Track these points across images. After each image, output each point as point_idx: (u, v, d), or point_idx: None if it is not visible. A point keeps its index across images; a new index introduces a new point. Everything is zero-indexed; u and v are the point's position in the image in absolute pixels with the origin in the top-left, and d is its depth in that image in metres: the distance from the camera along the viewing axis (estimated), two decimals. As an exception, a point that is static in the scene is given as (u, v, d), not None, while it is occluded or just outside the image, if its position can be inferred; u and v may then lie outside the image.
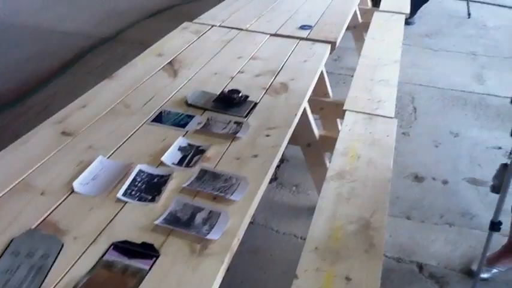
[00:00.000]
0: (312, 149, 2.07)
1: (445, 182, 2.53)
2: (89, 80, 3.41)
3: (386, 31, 3.28)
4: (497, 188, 1.59)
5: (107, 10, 4.97)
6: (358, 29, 3.69)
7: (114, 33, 4.40)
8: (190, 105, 1.54)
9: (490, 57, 4.18)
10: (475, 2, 5.71)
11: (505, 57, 4.20)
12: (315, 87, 1.99)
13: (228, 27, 2.25)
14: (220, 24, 2.29)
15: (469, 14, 5.19)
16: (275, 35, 2.20)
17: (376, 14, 3.64)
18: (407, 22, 4.83)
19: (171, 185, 1.16)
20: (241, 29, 2.24)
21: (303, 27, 2.26)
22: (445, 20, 5.11)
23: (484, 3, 5.78)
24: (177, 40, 2.09)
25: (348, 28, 3.74)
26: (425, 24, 4.94)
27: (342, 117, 2.07)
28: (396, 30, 3.30)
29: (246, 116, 1.49)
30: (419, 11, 4.93)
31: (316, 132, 2.07)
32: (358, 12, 3.61)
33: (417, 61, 4.06)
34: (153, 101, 1.56)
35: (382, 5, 3.85)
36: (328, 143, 1.99)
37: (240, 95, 1.56)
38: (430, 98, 3.50)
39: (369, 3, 4.24)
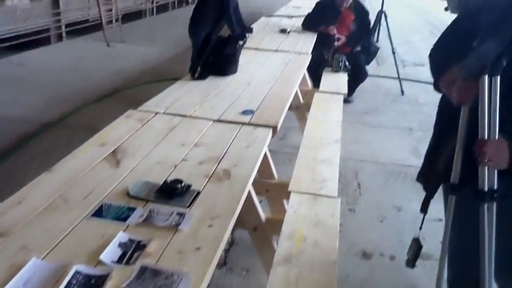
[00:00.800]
0: (258, 232, 2.07)
1: (392, 258, 2.57)
2: (32, 166, 3.31)
3: (327, 111, 3.46)
4: (411, 262, 1.67)
5: (52, 95, 4.95)
6: (300, 109, 3.86)
7: (58, 118, 4.35)
8: (132, 197, 1.52)
9: (424, 132, 4.45)
10: (406, 80, 6.16)
11: (438, 131, 4.48)
12: (259, 169, 2.03)
13: (172, 114, 2.29)
14: (165, 111, 2.33)
15: (402, 92, 5.58)
16: (218, 120, 2.25)
17: (316, 95, 3.84)
18: (347, 100, 5.11)
19: (109, 287, 1.11)
20: (185, 116, 2.29)
21: (245, 113, 2.34)
22: (381, 98, 5.45)
23: (415, 81, 6.25)
24: (120, 129, 2.10)
25: (291, 108, 3.92)
26: (363, 102, 5.24)
27: (288, 198, 2.10)
28: (335, 110, 3.48)
29: (188, 206, 1.48)
30: (357, 90, 5.23)
31: (262, 215, 2.08)
32: (299, 94, 3.79)
33: (358, 137, 4.25)
34: (94, 194, 1.53)
35: (322, 86, 4.08)
36: (276, 225, 2.00)
37: (183, 184, 1.57)
38: (372, 173, 3.63)
39: (309, 85, 4.47)
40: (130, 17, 10.54)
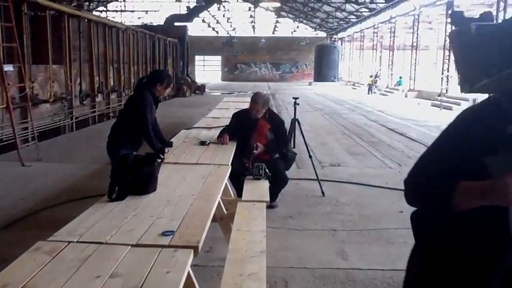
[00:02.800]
0: None
1: None
2: None
3: (250, 221, 3.46)
4: None
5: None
6: (224, 220, 3.83)
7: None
8: None
9: (347, 232, 4.56)
10: (326, 181, 6.43)
11: (360, 230, 4.62)
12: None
13: (87, 242, 2.17)
14: (78, 240, 2.20)
15: (323, 193, 5.77)
16: (136, 245, 2.16)
17: (239, 205, 3.85)
18: (271, 206, 5.18)
19: None
20: (101, 243, 2.17)
21: (165, 234, 2.28)
22: (304, 200, 5.59)
23: (333, 181, 6.53)
24: (26, 265, 1.93)
25: (215, 220, 3.88)
26: (287, 206, 5.33)
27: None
28: (259, 219, 3.49)
29: None
30: (280, 194, 5.33)
31: None
32: (222, 205, 3.78)
33: (285, 243, 4.25)
34: None
35: (244, 195, 4.12)
36: None
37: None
38: (302, 280, 3.59)
39: (232, 194, 4.51)
40: (48, 133, 10.33)
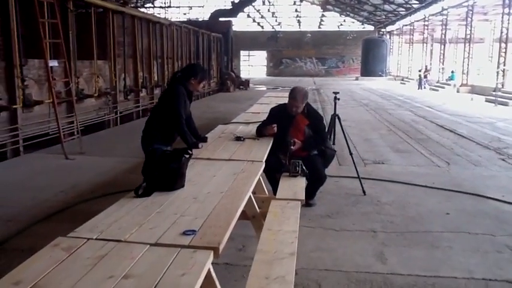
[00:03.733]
0: None
1: None
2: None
3: (283, 220, 3.31)
4: None
5: (-4, 215, 4.66)
6: (257, 219, 3.70)
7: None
8: None
9: (388, 234, 4.32)
10: (368, 179, 6.17)
11: (401, 232, 4.36)
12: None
13: (105, 240, 2.10)
14: (97, 237, 2.13)
15: (364, 192, 5.53)
16: (155, 244, 2.07)
17: (272, 203, 3.71)
18: (309, 204, 5.01)
19: None
20: (120, 241, 2.09)
21: (186, 233, 2.17)
22: (343, 199, 5.37)
23: (375, 179, 6.26)
24: (42, 262, 1.88)
25: (247, 218, 3.76)
26: (325, 205, 5.14)
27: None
28: (292, 219, 3.34)
29: None
30: (318, 192, 5.14)
31: None
32: (254, 203, 3.66)
33: (321, 244, 4.07)
34: None
35: (278, 193, 3.97)
36: None
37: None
38: (336, 283, 3.41)
39: (266, 192, 4.37)
40: (93, 128, 10.58)
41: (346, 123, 12.03)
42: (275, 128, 4.87)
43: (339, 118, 5.77)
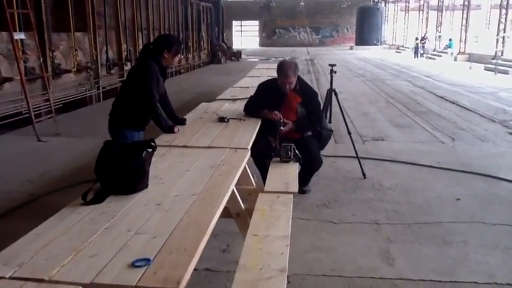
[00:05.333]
0: None
1: None
2: None
3: (272, 222, 2.76)
4: None
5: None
6: (241, 217, 3.15)
7: None
8: None
9: (393, 226, 3.79)
10: (367, 159, 5.62)
11: (408, 223, 3.84)
12: None
13: (23, 279, 1.53)
14: (12, 275, 1.56)
15: (363, 175, 4.98)
16: (90, 285, 1.50)
17: (260, 197, 3.16)
18: (303, 191, 4.47)
19: None
20: (43, 280, 1.53)
21: (136, 264, 1.61)
22: (341, 184, 4.83)
23: (376, 159, 5.71)
24: None
25: (230, 216, 3.21)
26: (321, 191, 4.60)
27: None
28: (283, 219, 2.79)
29: None
30: (314, 175, 4.58)
31: None
32: (238, 197, 3.09)
33: (317, 241, 3.54)
34: None
35: (267, 184, 3.42)
36: None
37: None
38: (337, 293, 2.89)
39: (253, 182, 3.81)
40: (74, 105, 9.91)
41: (342, 95, 11.39)
42: (279, 115, 4.17)
43: (335, 93, 5.17)
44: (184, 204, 2.19)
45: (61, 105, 9.12)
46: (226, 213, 3.14)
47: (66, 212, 2.11)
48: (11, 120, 7.69)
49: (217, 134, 3.70)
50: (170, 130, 3.71)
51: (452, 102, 10.42)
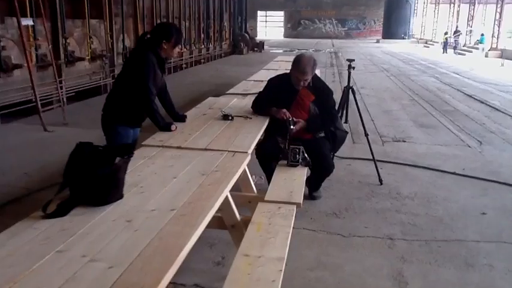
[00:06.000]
0: None
1: None
2: None
3: (268, 239, 2.43)
4: None
5: None
6: (236, 228, 2.83)
7: None
8: None
9: (409, 242, 3.42)
10: (386, 162, 5.23)
11: (426, 240, 3.45)
12: None
13: None
14: None
15: (380, 181, 4.59)
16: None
17: (259, 207, 2.83)
18: (313, 197, 4.14)
19: None
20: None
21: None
22: (355, 190, 4.46)
23: (395, 163, 5.31)
24: None
25: (225, 228, 2.90)
26: (333, 197, 4.24)
27: None
28: (280, 236, 2.45)
29: None
30: (327, 179, 4.22)
31: None
32: (234, 207, 2.78)
33: (323, 257, 3.19)
34: None
35: (269, 192, 3.08)
36: None
37: None
38: (339, 322, 2.55)
39: (254, 188, 3.48)
40: (87, 93, 9.72)
41: (364, 91, 11.04)
42: (287, 114, 3.82)
43: (353, 91, 4.77)
44: (158, 222, 1.87)
45: (73, 93, 8.93)
46: (219, 224, 2.84)
47: (21, 226, 1.82)
48: (21, 107, 7.53)
49: (218, 134, 3.38)
50: (167, 128, 3.41)
51: (482, 102, 9.85)
